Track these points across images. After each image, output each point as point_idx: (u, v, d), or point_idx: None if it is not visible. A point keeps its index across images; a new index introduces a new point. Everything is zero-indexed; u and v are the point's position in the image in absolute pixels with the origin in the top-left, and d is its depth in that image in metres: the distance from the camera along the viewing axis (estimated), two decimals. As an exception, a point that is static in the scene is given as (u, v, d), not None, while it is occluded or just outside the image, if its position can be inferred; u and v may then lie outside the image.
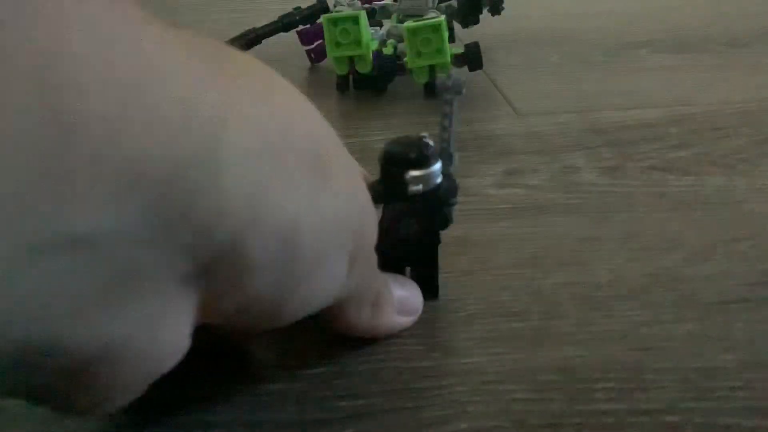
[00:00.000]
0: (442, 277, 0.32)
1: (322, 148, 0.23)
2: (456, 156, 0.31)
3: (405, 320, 0.30)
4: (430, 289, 0.31)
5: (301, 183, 0.21)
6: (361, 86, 0.53)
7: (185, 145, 0.18)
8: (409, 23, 0.49)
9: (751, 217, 0.38)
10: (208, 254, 0.19)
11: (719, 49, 0.59)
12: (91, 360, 0.18)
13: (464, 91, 0.29)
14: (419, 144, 0.28)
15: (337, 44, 0.50)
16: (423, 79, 0.50)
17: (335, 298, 0.25)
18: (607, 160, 0.43)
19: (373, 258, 0.27)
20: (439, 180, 0.28)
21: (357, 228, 0.24)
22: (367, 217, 0.25)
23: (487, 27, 0.55)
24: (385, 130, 0.47)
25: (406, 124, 0.48)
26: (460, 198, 0.30)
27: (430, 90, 0.51)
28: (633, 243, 0.36)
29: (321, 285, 0.23)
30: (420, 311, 0.30)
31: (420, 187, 0.28)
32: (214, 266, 0.19)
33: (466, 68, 0.52)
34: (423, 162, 0.28)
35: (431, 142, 0.28)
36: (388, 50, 0.52)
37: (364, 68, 0.51)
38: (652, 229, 0.37)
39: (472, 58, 0.51)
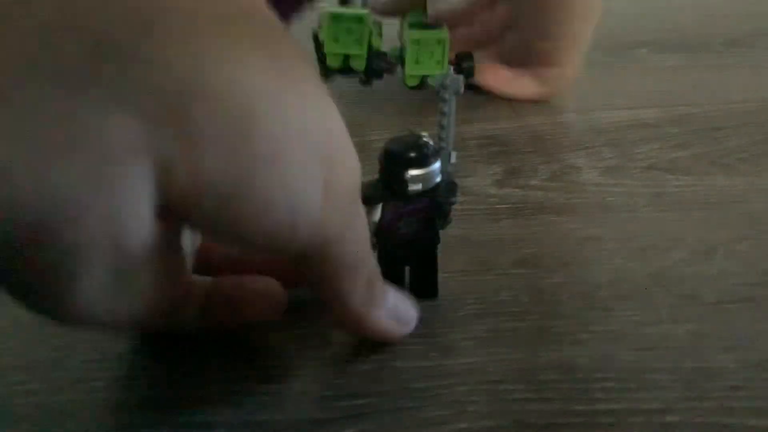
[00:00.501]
0: (441, 277, 0.32)
1: (291, 61, 0.22)
2: (454, 155, 0.31)
3: (397, 328, 0.29)
4: (429, 288, 0.31)
5: (260, 70, 0.21)
6: (348, 74, 0.52)
7: (114, 5, 0.19)
8: (414, 32, 0.49)
9: (751, 217, 0.37)
10: (155, 111, 0.19)
11: (719, 49, 0.59)
12: (44, 217, 0.19)
13: (462, 90, 0.29)
14: (419, 143, 0.28)
15: (336, 40, 0.50)
16: (413, 83, 0.50)
17: (313, 230, 0.23)
18: (607, 160, 0.43)
19: (356, 208, 0.25)
20: (438, 179, 0.29)
21: (329, 153, 0.23)
22: (342, 148, 0.24)
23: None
24: (385, 129, 0.47)
25: (405, 124, 0.48)
26: (459, 198, 0.30)
27: (420, 86, 0.51)
28: (633, 243, 0.36)
29: (285, 191, 0.22)
30: (413, 325, 0.29)
31: (420, 186, 0.28)
32: (162, 130, 0.19)
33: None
34: (423, 161, 0.28)
35: (431, 141, 0.28)
36: (392, 52, 0.51)
37: (359, 66, 0.51)
38: (652, 229, 0.37)
39: (465, 67, 0.51)
